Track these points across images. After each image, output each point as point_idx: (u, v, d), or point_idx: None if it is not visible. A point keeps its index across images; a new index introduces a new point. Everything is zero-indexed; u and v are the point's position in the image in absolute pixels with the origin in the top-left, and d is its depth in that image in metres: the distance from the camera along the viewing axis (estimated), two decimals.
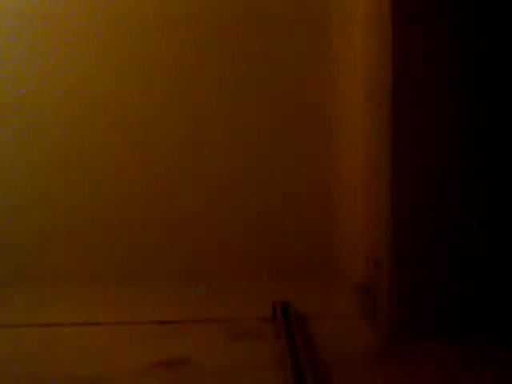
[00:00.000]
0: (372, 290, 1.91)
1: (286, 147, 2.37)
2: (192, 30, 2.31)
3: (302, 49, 2.33)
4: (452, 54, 1.73)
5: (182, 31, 2.31)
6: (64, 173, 2.35)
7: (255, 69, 2.34)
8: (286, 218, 2.39)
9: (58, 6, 2.27)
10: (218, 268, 2.37)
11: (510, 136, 1.75)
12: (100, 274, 2.36)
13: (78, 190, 2.36)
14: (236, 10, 2.31)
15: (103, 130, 2.34)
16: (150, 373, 1.64)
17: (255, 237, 2.39)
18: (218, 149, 2.37)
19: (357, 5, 2.02)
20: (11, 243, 2.35)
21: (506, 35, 1.72)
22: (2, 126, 2.32)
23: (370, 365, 1.67)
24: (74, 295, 2.22)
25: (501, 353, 1.70)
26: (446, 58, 1.73)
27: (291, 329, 1.84)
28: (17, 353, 1.79)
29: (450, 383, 1.57)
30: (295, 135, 2.37)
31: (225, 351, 1.77)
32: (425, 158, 1.76)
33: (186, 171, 2.37)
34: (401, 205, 1.76)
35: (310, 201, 2.39)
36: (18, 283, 2.30)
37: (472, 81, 1.74)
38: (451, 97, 1.74)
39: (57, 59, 2.29)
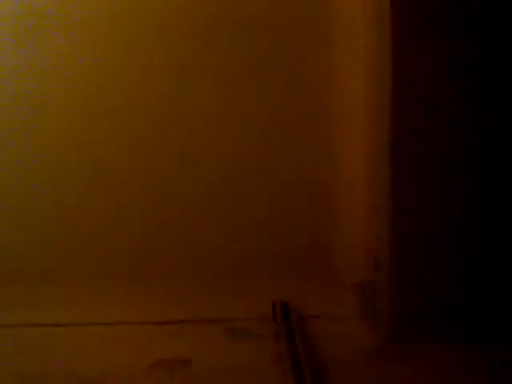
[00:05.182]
0: (372, 290, 1.91)
1: (286, 147, 2.37)
2: (192, 30, 2.31)
3: (302, 49, 2.32)
4: (452, 54, 1.73)
5: (181, 30, 2.31)
6: (64, 172, 2.34)
7: (254, 69, 2.34)
8: (285, 217, 2.39)
9: (58, 5, 2.27)
10: (217, 268, 2.36)
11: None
12: (100, 274, 2.35)
13: (78, 189, 2.35)
14: (235, 10, 2.31)
15: (103, 129, 2.34)
16: (150, 373, 1.64)
17: (255, 237, 2.39)
18: (216, 150, 2.36)
19: (357, 5, 2.02)
20: (11, 243, 2.35)
21: (508, 36, 1.72)
22: (1, 124, 2.32)
23: (369, 365, 1.67)
24: (74, 295, 2.21)
25: (500, 354, 1.70)
26: (446, 58, 1.73)
27: (291, 329, 1.85)
28: (17, 353, 1.79)
29: (449, 383, 1.58)
30: (295, 135, 2.36)
31: (225, 351, 1.77)
32: (425, 157, 1.76)
33: (185, 171, 2.37)
34: (401, 205, 1.76)
35: (310, 200, 2.39)
36: (17, 283, 2.30)
37: (472, 80, 1.74)
38: (451, 95, 1.74)
39: (54, 60, 2.29)
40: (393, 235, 1.77)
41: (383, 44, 1.76)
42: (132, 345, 1.82)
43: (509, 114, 1.75)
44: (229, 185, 2.38)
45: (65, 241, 2.37)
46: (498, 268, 1.78)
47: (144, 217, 2.37)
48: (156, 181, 2.37)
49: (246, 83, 2.35)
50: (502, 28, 1.72)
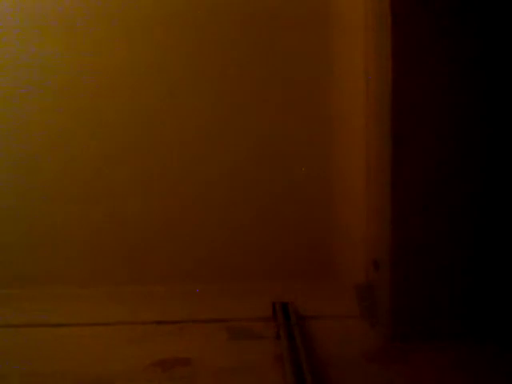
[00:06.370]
0: (372, 290, 1.91)
1: (287, 148, 2.37)
2: (192, 30, 2.31)
3: (302, 49, 2.32)
4: (452, 53, 1.73)
5: (181, 30, 2.31)
6: (64, 172, 2.35)
7: (254, 69, 2.34)
8: (286, 218, 2.39)
9: (54, 6, 2.27)
10: (217, 268, 2.37)
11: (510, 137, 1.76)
12: (100, 275, 2.36)
13: (78, 189, 2.36)
14: (236, 10, 2.31)
15: (104, 130, 2.34)
16: (150, 373, 1.64)
17: (255, 237, 2.39)
18: (216, 150, 2.37)
19: (357, 4, 2.02)
20: (11, 243, 2.35)
21: (507, 35, 1.72)
22: (1, 125, 2.32)
23: (369, 364, 1.67)
24: (74, 295, 2.22)
25: (500, 354, 1.70)
26: (445, 58, 1.73)
27: (291, 329, 1.84)
28: (17, 353, 1.79)
29: (449, 383, 1.58)
30: (295, 135, 2.37)
31: (225, 351, 1.77)
32: (425, 158, 1.76)
33: (185, 171, 2.37)
34: (401, 205, 1.76)
35: (310, 201, 2.39)
36: (18, 283, 2.30)
37: (472, 80, 1.74)
38: (451, 96, 1.74)
39: (54, 61, 2.29)
40: (393, 235, 1.77)
41: (383, 44, 1.76)
42: (131, 345, 1.82)
43: (510, 113, 1.75)
44: (229, 185, 2.39)
45: (65, 242, 2.37)
46: (497, 268, 1.78)
47: (144, 217, 2.38)
48: (156, 181, 2.37)
49: (245, 83, 2.35)
50: (502, 27, 1.72)
